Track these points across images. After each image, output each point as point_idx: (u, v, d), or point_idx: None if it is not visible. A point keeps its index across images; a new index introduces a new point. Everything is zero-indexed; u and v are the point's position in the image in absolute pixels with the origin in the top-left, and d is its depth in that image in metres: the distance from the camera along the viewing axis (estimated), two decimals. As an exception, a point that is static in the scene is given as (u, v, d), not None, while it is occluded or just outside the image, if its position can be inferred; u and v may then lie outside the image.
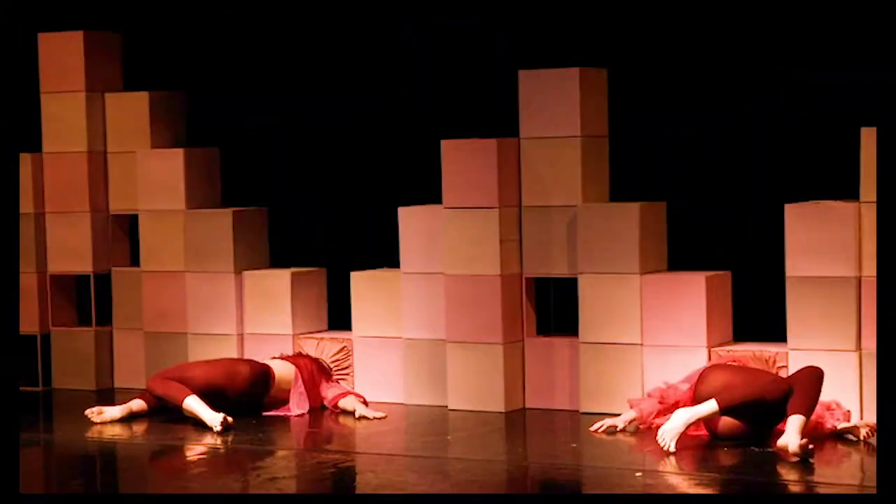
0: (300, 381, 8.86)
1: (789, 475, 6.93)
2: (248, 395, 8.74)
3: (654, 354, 8.36)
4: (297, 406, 8.83)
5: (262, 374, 8.81)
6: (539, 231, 8.78)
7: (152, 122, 9.94)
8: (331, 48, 9.91)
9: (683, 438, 7.45)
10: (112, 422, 8.62)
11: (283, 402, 8.83)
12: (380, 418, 8.60)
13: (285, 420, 8.66)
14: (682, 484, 6.93)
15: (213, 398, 8.57)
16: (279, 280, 9.48)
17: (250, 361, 8.95)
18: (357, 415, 8.65)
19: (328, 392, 8.96)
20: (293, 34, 10.00)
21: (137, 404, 8.76)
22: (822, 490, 6.73)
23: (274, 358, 9.08)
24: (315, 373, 8.98)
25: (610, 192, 8.87)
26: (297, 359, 9.05)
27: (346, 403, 8.84)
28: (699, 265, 8.65)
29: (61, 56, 10.04)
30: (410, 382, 9.06)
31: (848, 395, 7.88)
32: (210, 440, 8.10)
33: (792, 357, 8.10)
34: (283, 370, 8.90)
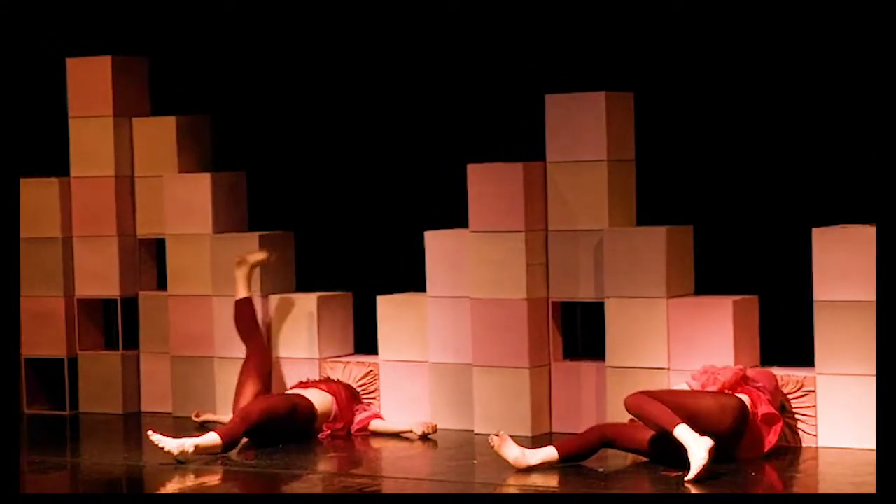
0: (335, 412, 8.87)
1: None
2: (293, 430, 8.71)
3: (681, 379, 8.31)
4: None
5: (308, 413, 8.78)
6: (565, 255, 8.77)
7: (179, 146, 9.98)
8: (357, 72, 9.93)
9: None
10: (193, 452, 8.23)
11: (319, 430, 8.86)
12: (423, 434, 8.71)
13: (310, 443, 8.65)
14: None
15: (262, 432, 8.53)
16: (305, 304, 9.49)
17: (295, 400, 8.79)
18: (418, 434, 8.71)
19: (357, 417, 8.96)
20: (318, 58, 10.02)
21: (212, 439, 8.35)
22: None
23: (306, 384, 9.05)
24: (349, 399, 8.98)
25: (637, 216, 8.85)
26: (329, 385, 9.02)
27: (379, 426, 8.86)
28: (726, 289, 8.63)
29: (89, 81, 10.08)
30: (437, 406, 9.04)
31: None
32: (234, 463, 8.09)
33: (820, 381, 8.06)
34: (323, 402, 8.87)
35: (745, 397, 7.72)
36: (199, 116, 10.14)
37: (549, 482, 7.40)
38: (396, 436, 8.79)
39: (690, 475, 7.11)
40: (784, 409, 8.03)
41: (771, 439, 7.75)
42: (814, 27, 8.54)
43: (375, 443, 8.71)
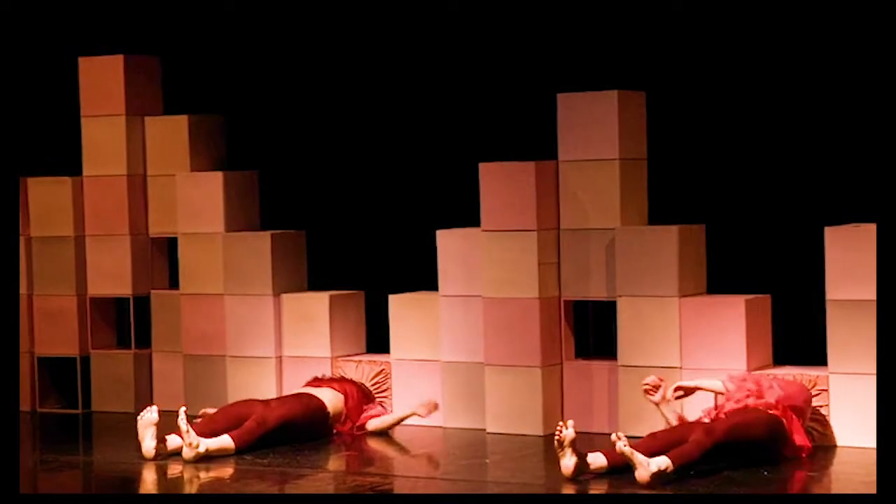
0: (345, 413, 8.88)
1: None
2: (307, 434, 8.71)
3: (693, 378, 8.30)
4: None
5: (321, 415, 8.78)
6: (577, 254, 8.77)
7: (191, 145, 9.98)
8: (369, 72, 9.93)
9: None
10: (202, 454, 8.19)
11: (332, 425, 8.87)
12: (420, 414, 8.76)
13: (322, 441, 8.65)
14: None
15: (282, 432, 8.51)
16: (318, 303, 9.49)
17: (309, 403, 8.77)
18: (423, 415, 8.77)
19: (361, 416, 8.98)
20: (330, 58, 10.03)
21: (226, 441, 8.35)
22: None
23: (320, 381, 9.06)
24: (359, 399, 8.98)
25: (649, 215, 8.84)
26: (342, 384, 9.02)
27: (377, 424, 8.85)
28: (739, 288, 8.61)
29: (101, 80, 10.09)
30: (448, 405, 9.04)
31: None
32: (245, 462, 8.10)
33: (832, 381, 8.04)
34: (335, 402, 8.87)
35: (783, 420, 7.71)
36: (212, 116, 10.15)
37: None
38: (397, 426, 8.79)
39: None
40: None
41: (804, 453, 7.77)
42: (826, 28, 8.53)
43: (387, 441, 8.71)
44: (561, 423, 7.36)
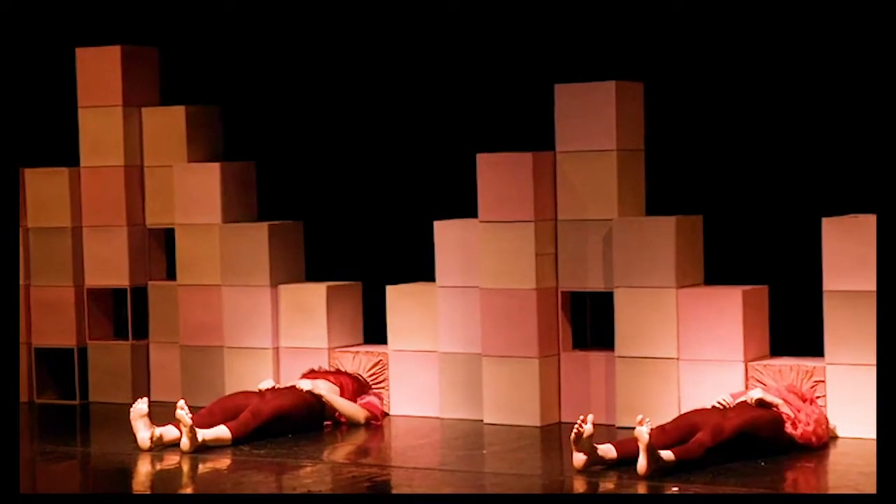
0: None
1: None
2: (303, 426, 8.71)
3: (691, 369, 8.32)
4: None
5: (316, 407, 8.80)
6: (575, 245, 8.77)
7: (189, 136, 9.98)
8: (366, 62, 9.93)
9: None
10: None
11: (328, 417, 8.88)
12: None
13: (319, 433, 8.66)
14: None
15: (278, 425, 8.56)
16: (315, 294, 9.49)
17: (304, 395, 8.77)
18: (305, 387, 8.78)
19: None
20: (328, 49, 10.02)
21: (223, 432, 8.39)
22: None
23: (316, 374, 9.08)
24: (354, 391, 8.99)
25: (646, 206, 8.84)
26: (338, 377, 9.05)
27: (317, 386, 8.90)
28: (736, 279, 8.62)
29: (99, 71, 10.09)
30: (446, 396, 9.05)
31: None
32: (243, 453, 8.10)
33: (829, 371, 8.05)
34: (331, 394, 8.89)
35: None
36: (209, 106, 10.14)
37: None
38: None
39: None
40: None
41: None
42: (824, 20, 8.52)
43: (384, 432, 8.71)
44: (581, 417, 7.37)
